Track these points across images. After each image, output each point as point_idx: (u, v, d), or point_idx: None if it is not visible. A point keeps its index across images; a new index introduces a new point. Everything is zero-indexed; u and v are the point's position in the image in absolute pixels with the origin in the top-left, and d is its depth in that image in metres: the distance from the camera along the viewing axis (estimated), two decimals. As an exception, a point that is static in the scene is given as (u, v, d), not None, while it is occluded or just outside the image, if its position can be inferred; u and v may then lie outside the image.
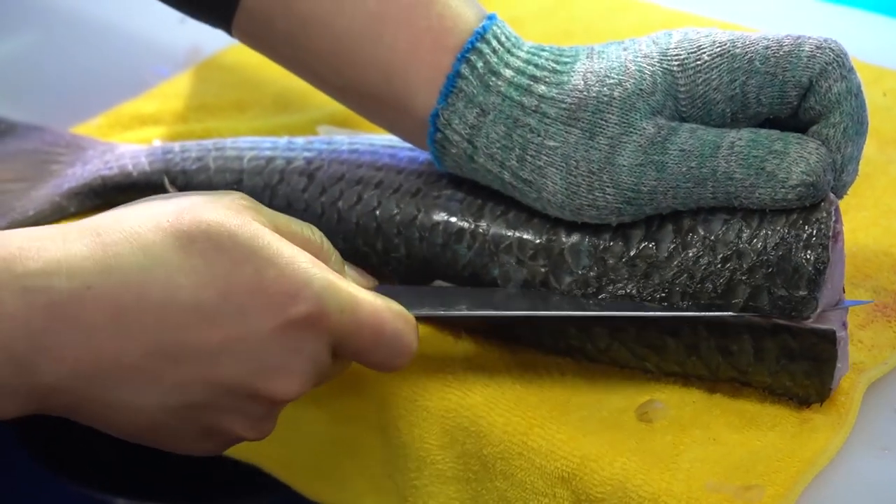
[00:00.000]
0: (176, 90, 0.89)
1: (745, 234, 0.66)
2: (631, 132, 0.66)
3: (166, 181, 0.77)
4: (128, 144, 0.82)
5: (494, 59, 0.68)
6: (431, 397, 0.68)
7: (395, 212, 0.72)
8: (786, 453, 0.64)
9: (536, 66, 0.68)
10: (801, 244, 0.65)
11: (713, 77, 0.66)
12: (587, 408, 0.67)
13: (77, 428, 0.62)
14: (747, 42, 0.67)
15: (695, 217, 0.67)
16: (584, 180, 0.66)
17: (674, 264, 0.66)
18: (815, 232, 0.65)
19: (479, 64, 0.68)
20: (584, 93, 0.67)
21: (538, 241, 0.68)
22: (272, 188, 0.75)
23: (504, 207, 0.70)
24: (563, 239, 0.68)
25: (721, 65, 0.66)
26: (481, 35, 0.68)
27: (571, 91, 0.67)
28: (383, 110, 0.71)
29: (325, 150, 0.76)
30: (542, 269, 0.68)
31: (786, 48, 0.66)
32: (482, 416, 0.67)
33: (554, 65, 0.68)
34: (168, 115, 0.86)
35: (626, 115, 0.66)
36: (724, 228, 0.66)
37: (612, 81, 0.67)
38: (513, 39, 0.69)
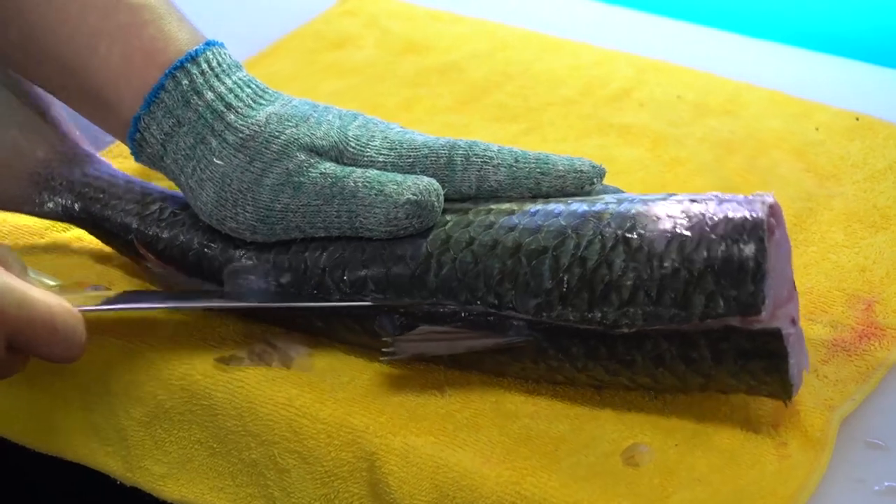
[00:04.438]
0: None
1: (687, 246, 0.69)
2: (283, 159, 0.75)
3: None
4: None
5: (200, 80, 0.76)
6: (421, 454, 0.70)
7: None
8: (769, 490, 0.67)
9: (236, 96, 0.77)
10: (740, 242, 0.69)
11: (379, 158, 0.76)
12: (575, 454, 0.69)
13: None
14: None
15: (641, 237, 0.70)
16: (231, 196, 0.75)
17: (627, 283, 0.69)
18: (750, 227, 0.69)
19: (185, 82, 0.76)
20: (262, 128, 0.76)
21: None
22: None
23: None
24: (524, 265, 0.72)
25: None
26: (192, 57, 0.76)
27: (252, 125, 0.76)
28: (96, 110, 0.79)
29: None
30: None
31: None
32: (474, 470, 0.69)
33: (251, 101, 0.77)
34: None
35: (287, 146, 0.75)
36: (667, 244, 0.69)
37: (289, 123, 0.76)
38: (226, 67, 0.77)
